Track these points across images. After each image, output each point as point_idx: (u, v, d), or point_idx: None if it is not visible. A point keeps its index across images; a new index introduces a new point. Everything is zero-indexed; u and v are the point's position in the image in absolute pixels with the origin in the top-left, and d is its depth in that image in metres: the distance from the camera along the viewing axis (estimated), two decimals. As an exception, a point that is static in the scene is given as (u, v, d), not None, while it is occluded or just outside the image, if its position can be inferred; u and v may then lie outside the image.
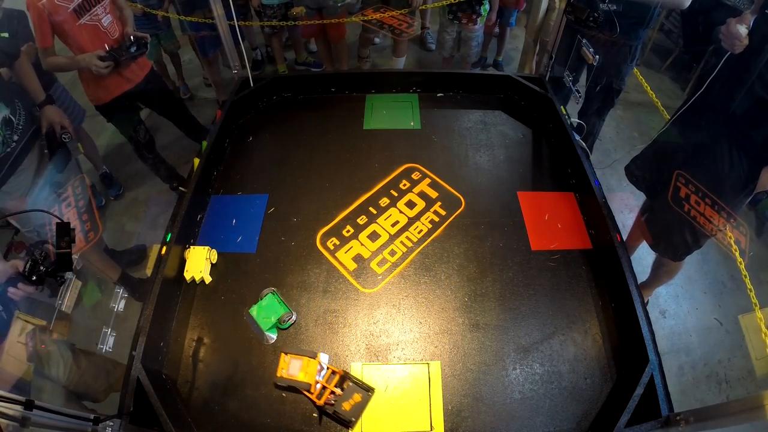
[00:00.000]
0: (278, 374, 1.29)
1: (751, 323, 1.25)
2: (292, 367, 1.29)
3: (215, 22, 2.06)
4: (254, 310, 1.43)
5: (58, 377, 1.57)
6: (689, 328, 2.42)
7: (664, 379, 1.24)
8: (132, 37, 2.29)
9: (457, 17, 3.13)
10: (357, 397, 1.25)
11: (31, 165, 1.99)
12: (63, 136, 2.04)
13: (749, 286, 1.46)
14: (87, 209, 1.56)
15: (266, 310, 1.43)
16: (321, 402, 1.24)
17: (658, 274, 2.31)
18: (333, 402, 1.24)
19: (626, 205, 2.62)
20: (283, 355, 1.32)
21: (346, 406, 1.23)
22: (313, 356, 1.29)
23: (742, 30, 1.53)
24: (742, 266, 1.45)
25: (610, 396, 1.28)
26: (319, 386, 1.26)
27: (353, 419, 1.22)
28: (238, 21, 2.12)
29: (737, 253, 1.36)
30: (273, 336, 1.41)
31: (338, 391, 1.26)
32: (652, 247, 2.14)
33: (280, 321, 1.40)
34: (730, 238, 1.40)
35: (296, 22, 3.18)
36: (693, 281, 2.59)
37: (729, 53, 1.62)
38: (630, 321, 1.34)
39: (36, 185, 1.96)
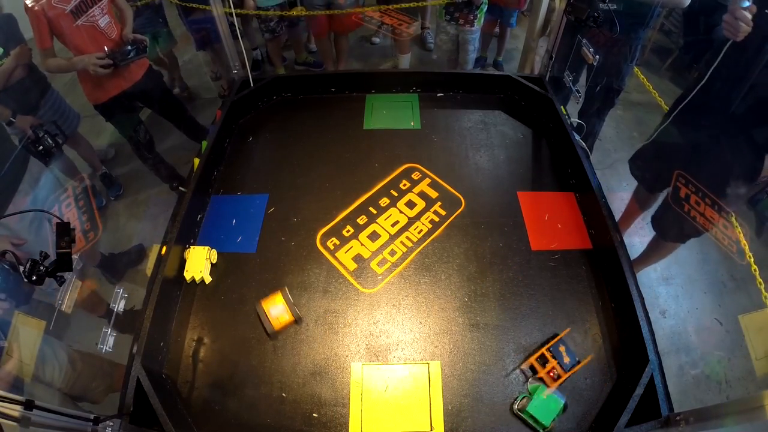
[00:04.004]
0: None
1: (751, 323, 1.25)
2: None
3: (212, 10, 2.06)
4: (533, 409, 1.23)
5: (53, 381, 1.55)
6: (689, 328, 2.42)
7: (664, 379, 1.24)
8: (131, 40, 2.29)
9: (454, 18, 3.13)
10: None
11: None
12: (37, 131, 2.02)
13: (759, 279, 1.44)
14: (87, 210, 1.56)
15: (543, 409, 1.23)
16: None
17: (654, 252, 2.30)
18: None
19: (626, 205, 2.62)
20: None
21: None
22: None
23: (746, 11, 1.46)
24: (752, 260, 1.44)
25: (610, 396, 1.28)
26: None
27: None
28: (237, 22, 2.12)
29: (737, 252, 1.36)
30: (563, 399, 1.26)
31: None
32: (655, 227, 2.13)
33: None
34: (731, 237, 1.40)
35: (301, 15, 3.15)
36: (693, 281, 2.59)
37: (729, 44, 1.58)
38: (630, 321, 1.34)
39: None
